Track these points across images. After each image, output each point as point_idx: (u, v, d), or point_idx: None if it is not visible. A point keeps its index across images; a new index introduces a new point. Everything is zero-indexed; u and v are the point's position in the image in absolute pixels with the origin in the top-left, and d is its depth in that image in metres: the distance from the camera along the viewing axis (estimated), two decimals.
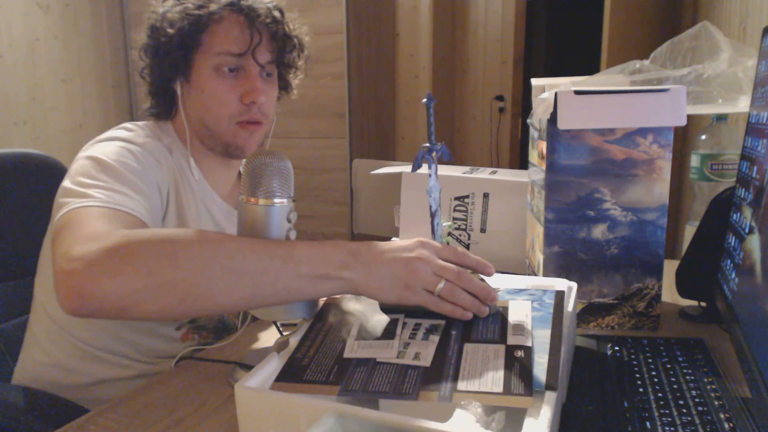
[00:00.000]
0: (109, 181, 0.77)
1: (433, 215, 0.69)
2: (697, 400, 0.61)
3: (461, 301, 0.63)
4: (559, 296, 0.66)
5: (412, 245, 0.66)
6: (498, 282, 0.70)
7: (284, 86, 1.02)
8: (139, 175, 0.82)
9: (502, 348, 0.57)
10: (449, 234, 1.12)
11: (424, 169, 0.69)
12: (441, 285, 0.63)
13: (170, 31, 0.87)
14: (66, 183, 0.77)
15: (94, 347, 0.91)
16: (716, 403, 0.61)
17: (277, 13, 0.91)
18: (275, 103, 0.98)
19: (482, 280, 0.66)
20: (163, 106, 0.96)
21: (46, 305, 0.92)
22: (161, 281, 0.57)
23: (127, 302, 0.57)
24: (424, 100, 0.67)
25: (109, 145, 0.84)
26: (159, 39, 0.89)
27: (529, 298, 0.66)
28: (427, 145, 0.68)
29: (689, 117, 0.82)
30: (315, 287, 0.62)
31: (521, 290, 0.68)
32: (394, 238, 1.40)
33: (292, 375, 0.57)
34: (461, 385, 0.53)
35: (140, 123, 0.94)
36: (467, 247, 1.16)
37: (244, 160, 0.99)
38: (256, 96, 0.89)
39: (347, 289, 0.64)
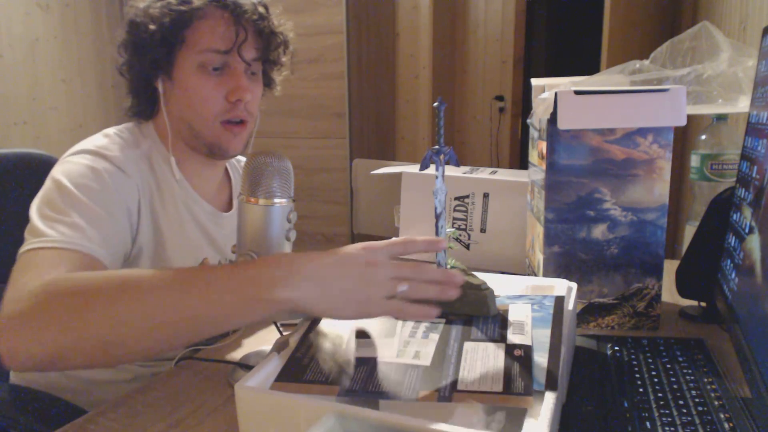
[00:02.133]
0: (66, 212, 0.75)
1: (437, 217, 0.69)
2: (697, 400, 0.61)
3: (424, 293, 0.59)
4: (559, 300, 0.66)
5: (356, 252, 0.59)
6: (498, 284, 0.70)
7: (267, 83, 0.99)
8: (100, 199, 0.79)
9: (502, 347, 0.57)
10: (455, 239, 1.12)
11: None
12: (403, 287, 0.58)
13: (152, 27, 0.85)
14: (32, 210, 0.77)
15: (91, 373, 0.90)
16: (716, 403, 0.61)
17: (262, 9, 0.89)
18: (260, 101, 0.96)
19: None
20: (144, 106, 0.93)
21: None
22: (75, 337, 0.57)
23: (55, 358, 0.57)
24: (435, 103, 0.67)
25: (76, 164, 0.81)
26: (140, 35, 0.86)
27: (529, 302, 0.66)
28: (436, 147, 0.68)
29: (689, 117, 0.82)
30: (245, 313, 0.56)
31: (521, 296, 0.68)
32: (393, 239, 1.40)
33: (292, 375, 0.57)
34: (461, 385, 0.53)
35: (120, 128, 0.91)
36: (467, 247, 1.16)
37: (242, 161, 0.98)
38: (242, 94, 0.87)
39: (288, 309, 0.56)
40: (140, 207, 0.86)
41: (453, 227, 1.15)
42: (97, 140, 0.87)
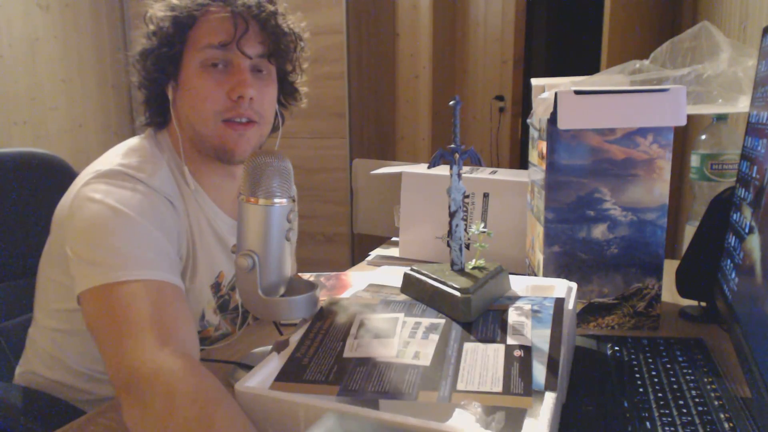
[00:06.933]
0: (134, 240, 0.73)
1: (452, 216, 0.69)
2: (697, 400, 0.61)
3: None
4: (559, 301, 0.66)
5: None
6: None
7: (290, 91, 0.96)
8: (161, 225, 0.78)
9: (501, 348, 0.57)
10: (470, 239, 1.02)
11: (422, 169, 0.69)
12: None
13: (153, 28, 0.84)
14: (83, 241, 0.73)
15: (92, 370, 0.89)
16: (716, 403, 0.61)
17: (268, 5, 0.86)
18: (274, 104, 0.92)
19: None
20: (158, 115, 0.90)
21: (42, 324, 0.90)
22: None
23: None
24: (452, 102, 0.67)
25: (123, 191, 0.77)
26: (149, 41, 0.85)
27: (529, 303, 0.66)
28: (452, 146, 0.67)
29: (689, 117, 0.82)
30: None
31: (521, 297, 0.68)
32: (393, 239, 1.40)
33: (291, 375, 0.57)
34: (461, 385, 0.53)
35: (144, 145, 0.88)
36: (467, 246, 1.16)
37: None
38: (244, 90, 0.83)
39: None
40: (186, 229, 0.86)
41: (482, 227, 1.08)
42: (128, 161, 0.82)
